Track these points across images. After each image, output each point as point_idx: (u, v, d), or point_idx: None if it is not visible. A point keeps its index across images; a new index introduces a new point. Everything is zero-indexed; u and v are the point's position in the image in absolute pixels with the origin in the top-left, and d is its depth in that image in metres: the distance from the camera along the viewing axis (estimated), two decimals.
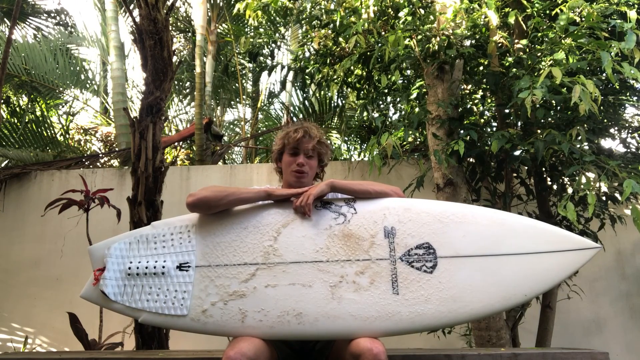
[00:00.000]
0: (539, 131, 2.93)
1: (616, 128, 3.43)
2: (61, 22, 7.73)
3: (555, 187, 3.26)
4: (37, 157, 5.33)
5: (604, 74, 2.80)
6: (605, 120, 3.27)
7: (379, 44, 3.33)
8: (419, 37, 3.20)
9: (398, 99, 4.30)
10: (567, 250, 1.56)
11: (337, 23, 3.75)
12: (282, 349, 1.63)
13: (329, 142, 1.93)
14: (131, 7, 5.13)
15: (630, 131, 3.45)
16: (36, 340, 4.01)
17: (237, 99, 7.86)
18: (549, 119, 3.14)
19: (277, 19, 6.45)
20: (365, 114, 4.89)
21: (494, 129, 3.75)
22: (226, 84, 7.58)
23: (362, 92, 4.39)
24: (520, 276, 1.53)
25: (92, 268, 1.77)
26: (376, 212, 1.65)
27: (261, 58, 6.50)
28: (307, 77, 4.45)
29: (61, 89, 6.35)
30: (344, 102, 5.99)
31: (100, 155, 6.02)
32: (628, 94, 3.37)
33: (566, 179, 3.17)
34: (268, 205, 1.71)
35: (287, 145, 1.84)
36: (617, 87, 3.19)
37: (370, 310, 1.52)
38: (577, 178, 2.54)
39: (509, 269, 1.53)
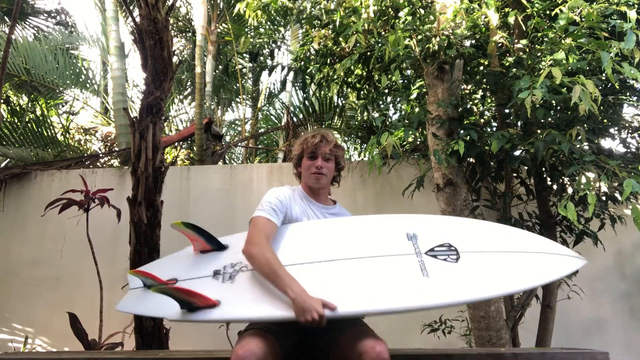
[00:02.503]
0: (539, 131, 2.93)
1: (616, 128, 3.43)
2: (61, 22, 7.74)
3: (555, 187, 3.26)
4: (38, 157, 5.33)
5: (604, 74, 2.79)
6: (605, 120, 3.27)
7: (379, 44, 3.32)
8: (419, 37, 3.20)
9: (398, 99, 4.29)
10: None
11: (337, 23, 3.74)
12: (286, 346, 1.64)
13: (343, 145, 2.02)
14: (131, 7, 5.13)
15: (630, 131, 3.45)
16: (36, 340, 4.02)
17: (237, 99, 7.86)
18: (549, 119, 3.14)
19: (277, 18, 6.45)
20: (365, 114, 4.90)
21: (494, 129, 3.74)
22: (226, 84, 7.59)
23: (362, 92, 4.39)
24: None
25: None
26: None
27: (261, 58, 6.50)
28: (307, 77, 4.45)
29: (61, 88, 6.35)
30: (344, 102, 5.99)
31: (100, 155, 6.02)
32: (628, 94, 3.36)
33: (566, 179, 3.17)
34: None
35: (306, 150, 1.96)
36: (617, 87, 3.19)
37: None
38: (577, 178, 2.54)
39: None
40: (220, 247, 1.84)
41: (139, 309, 1.82)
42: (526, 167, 3.29)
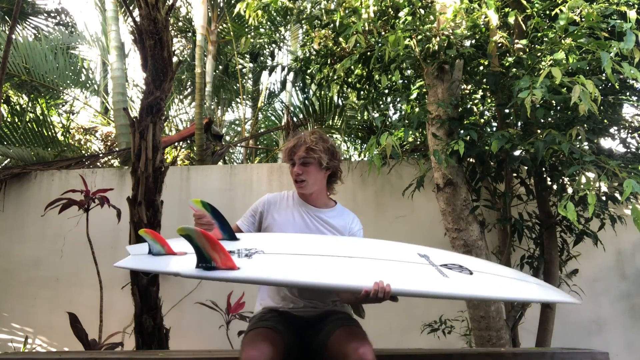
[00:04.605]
0: (539, 131, 2.93)
1: (616, 128, 3.43)
2: (61, 22, 7.73)
3: (555, 187, 3.26)
4: (38, 156, 5.33)
5: (604, 74, 2.79)
6: (605, 121, 3.27)
7: (379, 44, 3.32)
8: (419, 37, 3.20)
9: (398, 99, 4.29)
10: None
11: (337, 23, 3.74)
12: (289, 344, 1.67)
13: (328, 143, 1.95)
14: (131, 7, 5.13)
15: (630, 131, 3.44)
16: (36, 340, 4.02)
17: (237, 99, 7.86)
18: (549, 119, 3.14)
19: (278, 18, 6.45)
20: (365, 114, 4.89)
21: (494, 129, 3.74)
22: (226, 84, 7.59)
23: (362, 92, 4.39)
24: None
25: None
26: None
27: (261, 58, 6.50)
28: (307, 77, 4.45)
29: (61, 88, 6.35)
30: (344, 102, 5.99)
31: (100, 155, 6.02)
32: (628, 94, 3.36)
33: (566, 179, 3.17)
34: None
35: (286, 157, 1.94)
36: (617, 87, 3.19)
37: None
38: (577, 178, 2.54)
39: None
40: (232, 238, 1.78)
41: (144, 265, 1.69)
42: (526, 167, 3.29)
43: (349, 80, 4.30)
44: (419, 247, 1.93)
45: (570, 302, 1.91)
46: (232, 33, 6.65)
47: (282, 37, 6.94)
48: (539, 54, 2.85)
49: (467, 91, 3.82)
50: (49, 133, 6.03)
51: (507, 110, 3.34)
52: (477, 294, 1.71)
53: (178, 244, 1.67)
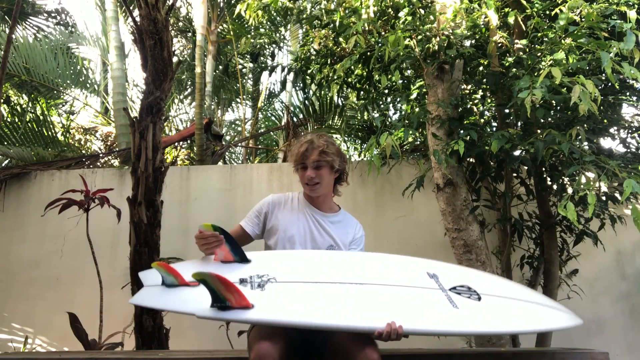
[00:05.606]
0: (539, 131, 2.93)
1: (616, 128, 3.43)
2: (61, 22, 7.73)
3: (555, 187, 3.26)
4: (38, 156, 5.33)
5: (604, 74, 2.79)
6: (605, 120, 3.27)
7: (379, 44, 3.33)
8: (419, 37, 3.20)
9: (398, 99, 4.29)
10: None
11: (337, 23, 3.74)
12: (293, 342, 1.67)
13: (336, 146, 2.00)
14: (131, 7, 5.13)
15: (630, 131, 3.44)
16: (36, 340, 4.02)
17: (237, 99, 7.86)
18: (549, 119, 3.14)
19: (278, 18, 6.45)
20: (365, 114, 4.89)
21: (494, 129, 3.74)
22: (226, 84, 7.59)
23: (362, 92, 4.39)
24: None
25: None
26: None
27: (261, 58, 6.51)
28: (307, 77, 4.45)
29: (61, 88, 6.35)
30: (344, 102, 6.00)
31: (100, 155, 6.02)
32: (628, 94, 3.36)
33: (566, 179, 3.16)
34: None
35: (297, 161, 1.94)
36: (617, 87, 3.19)
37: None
38: (577, 178, 2.54)
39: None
40: (244, 260, 1.78)
41: (159, 303, 1.71)
42: (526, 167, 3.29)
43: (349, 80, 4.30)
44: (428, 262, 1.93)
45: (574, 325, 1.89)
46: (232, 33, 6.65)
47: (282, 37, 6.94)
48: (539, 54, 2.85)
49: (467, 91, 3.82)
50: (49, 133, 6.02)
51: (507, 110, 3.34)
52: (488, 329, 1.71)
53: (189, 273, 1.68)
